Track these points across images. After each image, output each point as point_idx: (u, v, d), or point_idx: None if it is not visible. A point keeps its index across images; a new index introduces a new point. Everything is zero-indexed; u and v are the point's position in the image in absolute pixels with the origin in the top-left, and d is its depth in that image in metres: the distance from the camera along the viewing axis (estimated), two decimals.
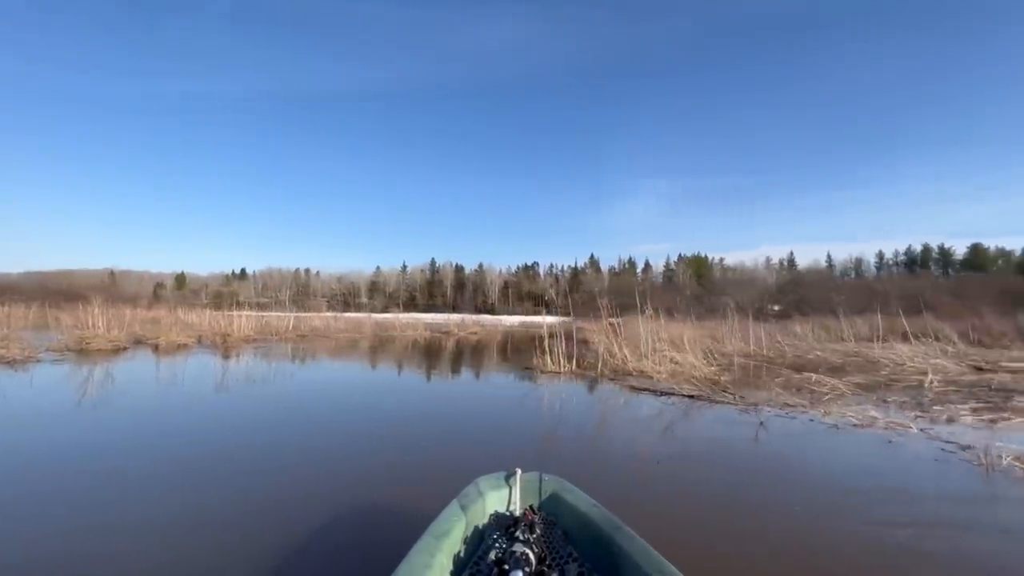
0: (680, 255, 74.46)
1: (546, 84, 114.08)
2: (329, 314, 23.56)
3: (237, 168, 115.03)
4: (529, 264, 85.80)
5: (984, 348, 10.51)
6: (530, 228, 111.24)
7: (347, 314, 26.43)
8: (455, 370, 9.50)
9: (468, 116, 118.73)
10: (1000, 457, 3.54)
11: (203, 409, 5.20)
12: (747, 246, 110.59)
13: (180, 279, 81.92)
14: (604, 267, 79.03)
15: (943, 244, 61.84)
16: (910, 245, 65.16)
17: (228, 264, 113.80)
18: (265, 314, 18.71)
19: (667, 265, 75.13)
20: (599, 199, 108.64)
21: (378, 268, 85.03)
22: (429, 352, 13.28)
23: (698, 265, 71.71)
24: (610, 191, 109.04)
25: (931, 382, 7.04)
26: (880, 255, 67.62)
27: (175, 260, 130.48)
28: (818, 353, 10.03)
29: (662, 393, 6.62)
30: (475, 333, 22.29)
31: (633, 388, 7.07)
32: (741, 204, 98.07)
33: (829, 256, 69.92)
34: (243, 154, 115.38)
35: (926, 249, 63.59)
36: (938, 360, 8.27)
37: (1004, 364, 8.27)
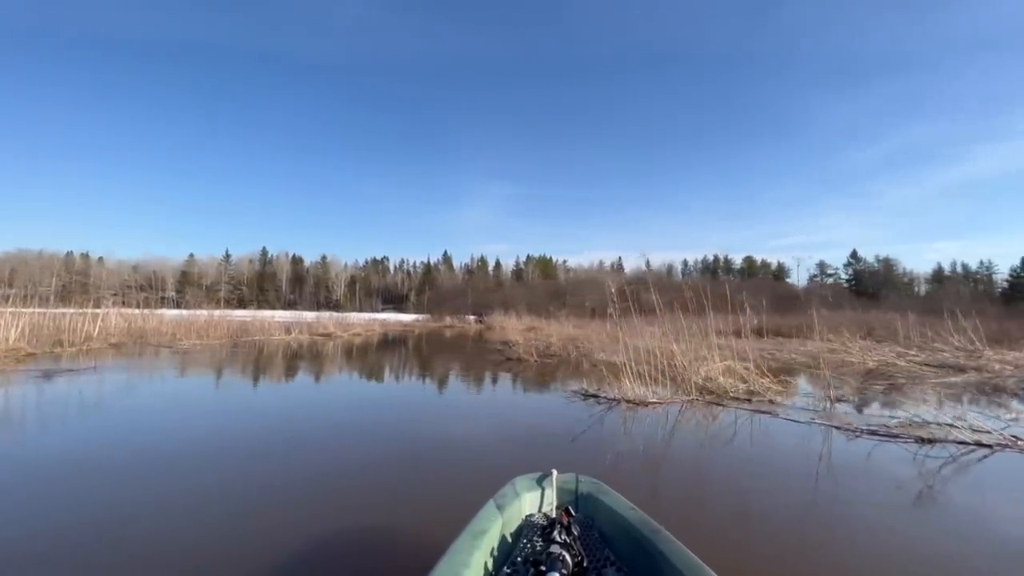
0: (528, 256, 78.21)
1: (392, 74, 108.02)
2: (135, 311, 17.35)
3: None
4: (379, 258, 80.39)
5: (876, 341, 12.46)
6: (379, 222, 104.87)
7: (166, 311, 20.20)
8: (484, 399, 6.54)
9: (305, 96, 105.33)
10: None
11: None
12: (576, 251, 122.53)
13: None
14: (457, 264, 78.51)
15: (727, 255, 77.99)
16: (705, 255, 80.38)
17: None
18: (33, 310, 12.33)
19: (517, 264, 78.13)
20: (449, 198, 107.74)
21: (192, 256, 69.63)
22: (364, 361, 10.34)
23: (544, 266, 76.34)
24: (460, 191, 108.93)
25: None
26: (685, 262, 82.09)
27: None
28: (773, 353, 10.53)
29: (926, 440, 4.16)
30: (358, 334, 19.02)
31: (848, 429, 4.54)
32: (574, 212, 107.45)
33: (648, 262, 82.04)
34: None
35: (716, 259, 79.33)
36: (882, 356, 9.24)
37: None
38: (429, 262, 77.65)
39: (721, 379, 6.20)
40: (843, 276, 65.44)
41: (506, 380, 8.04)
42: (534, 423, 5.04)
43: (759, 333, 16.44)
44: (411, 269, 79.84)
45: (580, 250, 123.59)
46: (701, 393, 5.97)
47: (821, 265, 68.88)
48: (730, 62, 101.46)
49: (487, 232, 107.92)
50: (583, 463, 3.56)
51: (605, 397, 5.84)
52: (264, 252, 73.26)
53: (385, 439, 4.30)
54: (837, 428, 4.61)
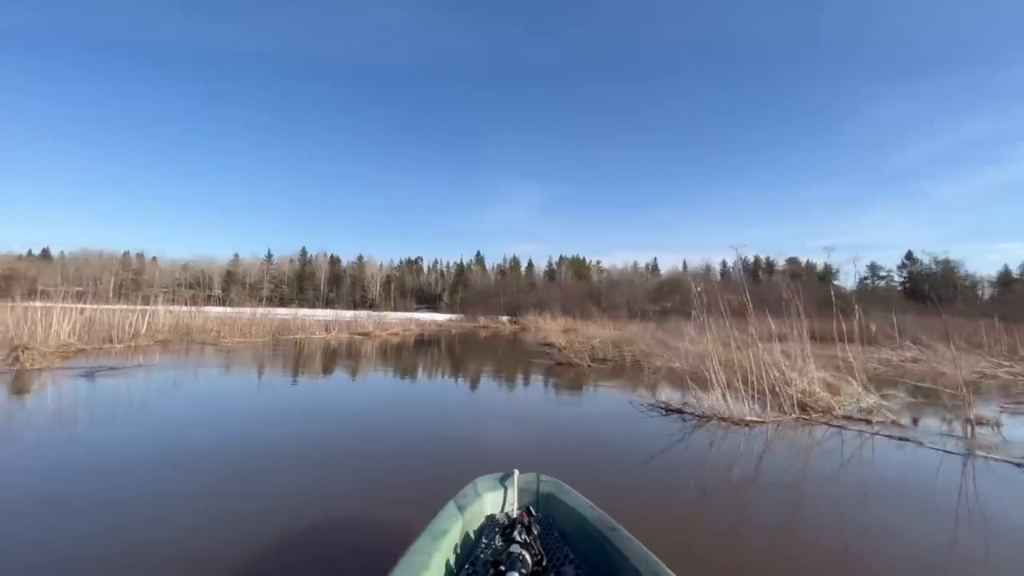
0: (561, 256, 77.01)
1: (422, 78, 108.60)
2: (182, 308, 17.66)
3: (35, 118, 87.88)
4: (413, 259, 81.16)
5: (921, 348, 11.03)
6: (413, 222, 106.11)
7: (211, 309, 20.58)
8: (546, 409, 5.89)
9: (342, 99, 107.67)
10: None
11: None
12: (605, 251, 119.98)
13: None
14: (489, 264, 78.30)
15: (768, 256, 74.51)
16: (745, 256, 77.01)
17: (20, 243, 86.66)
18: (88, 307, 12.58)
19: (549, 265, 77.08)
20: (480, 198, 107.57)
21: (236, 256, 72.36)
22: (409, 361, 10.00)
23: (578, 266, 75.02)
24: (491, 191, 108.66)
25: None
26: (723, 263, 78.83)
27: None
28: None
29: None
30: (396, 333, 18.84)
31: None
32: (604, 212, 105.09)
33: (685, 263, 79.17)
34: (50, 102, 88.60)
35: (756, 260, 75.94)
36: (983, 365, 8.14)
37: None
38: (462, 262, 77.80)
39: (822, 393, 5.29)
40: (897, 278, 61.31)
41: (564, 388, 7.44)
42: (609, 440, 4.42)
43: (814, 338, 15.14)
44: (444, 269, 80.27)
45: (609, 249, 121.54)
46: (804, 410, 5.08)
47: (872, 267, 64.68)
48: (772, 59, 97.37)
49: (518, 232, 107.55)
50: (683, 496, 2.93)
51: (691, 413, 4.98)
52: (304, 252, 75.32)
53: (447, 448, 3.83)
54: (1011, 463, 3.69)
